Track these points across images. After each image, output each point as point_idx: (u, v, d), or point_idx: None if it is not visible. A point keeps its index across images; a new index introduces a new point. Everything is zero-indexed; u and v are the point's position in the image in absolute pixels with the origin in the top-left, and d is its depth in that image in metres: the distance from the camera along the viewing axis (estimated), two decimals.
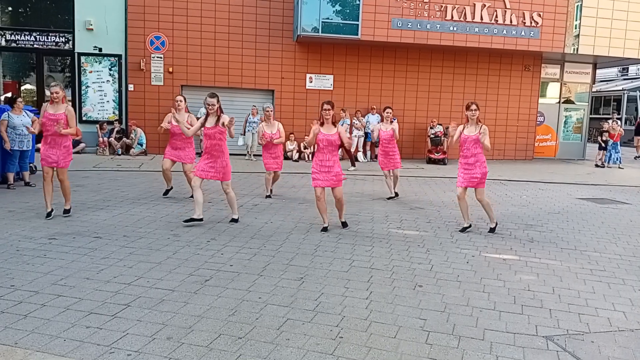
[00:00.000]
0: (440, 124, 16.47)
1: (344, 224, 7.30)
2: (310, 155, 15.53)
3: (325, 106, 7.04)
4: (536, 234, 7.33)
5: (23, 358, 3.35)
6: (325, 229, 7.01)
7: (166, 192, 9.15)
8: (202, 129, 7.18)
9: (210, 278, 4.98)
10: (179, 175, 9.72)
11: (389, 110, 9.74)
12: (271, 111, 9.57)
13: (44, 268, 5.08)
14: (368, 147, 16.38)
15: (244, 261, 5.56)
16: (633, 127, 23.59)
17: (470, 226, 7.37)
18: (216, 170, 7.17)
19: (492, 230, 7.35)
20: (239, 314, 4.17)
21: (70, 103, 8.87)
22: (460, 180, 7.22)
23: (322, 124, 7.07)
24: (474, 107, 7.10)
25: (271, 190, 9.60)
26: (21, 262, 5.24)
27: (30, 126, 9.54)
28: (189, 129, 7.51)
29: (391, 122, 9.73)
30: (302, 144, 15.35)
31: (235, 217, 7.40)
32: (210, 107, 7.07)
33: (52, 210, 7.21)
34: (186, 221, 7.05)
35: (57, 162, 7.18)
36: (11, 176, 9.46)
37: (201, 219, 7.07)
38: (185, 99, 9.04)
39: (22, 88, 16.01)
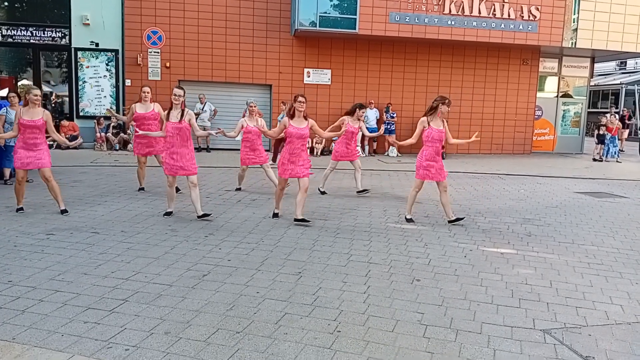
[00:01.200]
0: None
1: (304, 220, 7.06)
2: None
3: (300, 98, 7.04)
4: (534, 228, 7.34)
5: (21, 353, 3.35)
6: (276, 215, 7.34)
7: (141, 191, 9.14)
8: (166, 123, 7.11)
9: (208, 273, 4.98)
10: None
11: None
12: (255, 106, 9.42)
13: (42, 263, 5.08)
14: (366, 142, 16.36)
15: (242, 256, 5.56)
16: (632, 122, 23.63)
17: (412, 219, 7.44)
18: (183, 165, 7.13)
19: (455, 220, 7.36)
20: (237, 308, 4.17)
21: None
22: (428, 173, 7.19)
23: (292, 117, 7.07)
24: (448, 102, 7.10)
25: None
26: (19, 258, 5.23)
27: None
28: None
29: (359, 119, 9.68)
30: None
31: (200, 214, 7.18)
32: (176, 98, 7.05)
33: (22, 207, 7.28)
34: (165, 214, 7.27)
35: (40, 162, 7.07)
36: (7, 172, 9.42)
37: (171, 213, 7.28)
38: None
39: (19, 83, 15.95)
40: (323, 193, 9.34)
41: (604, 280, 5.22)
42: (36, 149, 7.05)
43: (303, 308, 4.23)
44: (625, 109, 23.84)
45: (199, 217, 7.11)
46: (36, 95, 7.01)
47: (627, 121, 20.47)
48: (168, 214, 7.31)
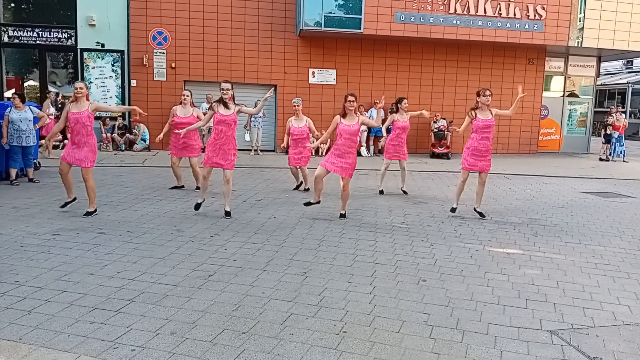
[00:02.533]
0: (444, 118, 16.42)
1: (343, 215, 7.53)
2: (324, 152, 15.59)
3: (350, 97, 7.31)
4: (540, 228, 7.30)
5: (27, 354, 3.36)
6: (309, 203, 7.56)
7: (174, 187, 9.30)
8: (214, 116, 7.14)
9: (213, 273, 4.98)
10: (183, 170, 9.72)
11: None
12: (298, 106, 9.45)
13: (48, 264, 5.09)
14: (371, 142, 16.34)
15: (248, 256, 5.56)
16: (638, 120, 23.44)
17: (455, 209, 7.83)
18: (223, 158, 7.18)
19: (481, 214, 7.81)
20: (243, 309, 4.17)
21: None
22: (471, 164, 7.59)
23: (344, 115, 7.32)
24: (488, 92, 7.51)
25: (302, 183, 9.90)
26: (25, 258, 5.25)
27: (30, 121, 9.58)
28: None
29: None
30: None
31: (228, 209, 7.37)
32: (224, 92, 7.09)
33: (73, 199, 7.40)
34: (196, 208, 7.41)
35: (80, 161, 7.06)
36: (14, 172, 9.46)
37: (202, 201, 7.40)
38: (191, 93, 9.19)
39: (26, 84, 16.02)
40: (381, 192, 9.62)
41: (611, 280, 5.18)
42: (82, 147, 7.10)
43: (309, 308, 4.22)
44: (619, 105, 23.67)
45: (226, 212, 7.36)
46: (75, 89, 7.02)
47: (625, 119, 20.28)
48: (198, 206, 7.45)
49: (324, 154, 15.52)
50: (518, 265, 5.58)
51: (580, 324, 4.12)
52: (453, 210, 7.86)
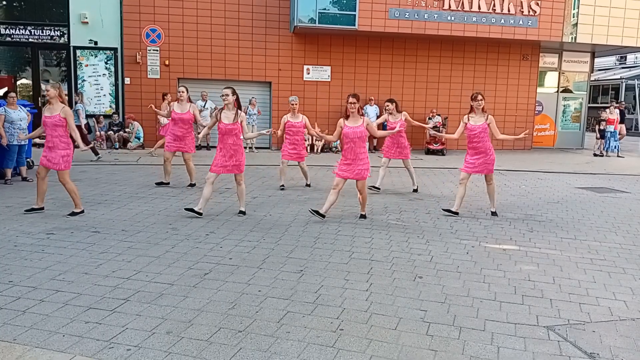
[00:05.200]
0: (439, 115, 16.43)
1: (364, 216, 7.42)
2: (319, 149, 15.62)
3: (351, 99, 7.01)
4: (536, 224, 7.32)
5: (22, 354, 3.33)
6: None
7: (160, 183, 9.28)
8: (218, 124, 7.14)
9: (209, 271, 4.96)
10: (177, 168, 9.69)
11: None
12: (296, 104, 9.43)
13: (42, 263, 5.06)
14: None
15: (244, 254, 5.54)
16: (631, 116, 23.45)
17: (457, 213, 7.59)
18: (233, 164, 7.19)
19: (494, 214, 7.72)
20: (239, 307, 4.15)
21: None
22: (470, 167, 7.57)
23: (347, 117, 7.10)
24: (480, 97, 7.42)
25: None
26: (19, 258, 5.21)
27: (25, 120, 9.53)
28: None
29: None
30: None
31: (243, 209, 7.42)
32: (224, 97, 7.07)
33: (40, 208, 7.16)
34: (187, 209, 7.14)
35: (54, 164, 6.95)
36: (9, 172, 9.40)
37: (201, 214, 7.05)
38: (187, 89, 9.16)
39: (18, 83, 15.91)
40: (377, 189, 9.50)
41: (607, 276, 5.20)
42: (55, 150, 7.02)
43: (305, 306, 4.20)
44: (622, 101, 23.71)
45: (241, 211, 7.39)
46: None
47: (626, 115, 20.08)
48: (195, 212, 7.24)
49: (319, 151, 15.53)
50: (514, 261, 5.58)
51: (576, 319, 4.12)
52: (454, 213, 7.62)
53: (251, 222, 6.98)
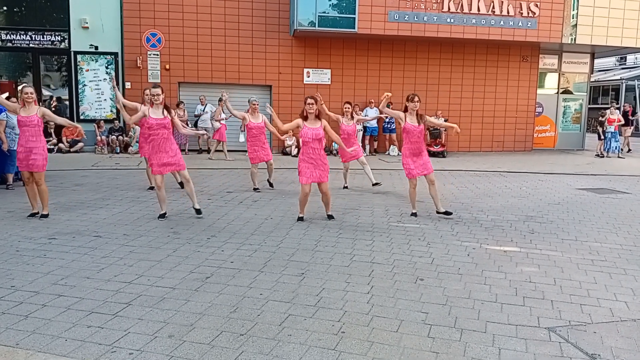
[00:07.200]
0: (443, 117, 16.44)
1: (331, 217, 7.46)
2: (292, 149, 15.60)
3: (309, 100, 7.18)
4: (536, 225, 7.32)
5: (25, 359, 3.34)
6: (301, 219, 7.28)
7: (152, 188, 9.17)
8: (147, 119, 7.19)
9: (211, 275, 4.97)
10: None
11: (347, 105, 10.16)
12: (257, 104, 9.59)
13: (44, 268, 5.07)
14: (367, 141, 16.34)
15: (245, 258, 5.55)
16: (636, 117, 23.36)
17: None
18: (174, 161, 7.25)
19: (447, 213, 7.70)
20: (241, 310, 4.16)
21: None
22: (417, 170, 7.62)
23: (306, 118, 7.18)
24: (417, 99, 7.46)
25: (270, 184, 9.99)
26: (21, 263, 5.22)
27: None
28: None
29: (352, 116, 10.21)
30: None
31: (197, 207, 7.44)
32: (155, 97, 7.13)
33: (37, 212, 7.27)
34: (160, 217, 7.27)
35: (32, 165, 7.11)
36: (10, 177, 9.42)
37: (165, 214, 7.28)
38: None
39: (19, 88, 15.93)
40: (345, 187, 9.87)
41: (608, 277, 5.20)
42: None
43: (307, 309, 4.21)
44: (626, 104, 23.72)
45: (195, 209, 7.39)
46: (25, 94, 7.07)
47: (630, 117, 19.90)
48: (162, 216, 7.30)
49: (292, 151, 15.43)
50: (515, 262, 5.59)
51: (577, 320, 4.13)
52: (414, 215, 7.76)
53: (252, 225, 6.99)
